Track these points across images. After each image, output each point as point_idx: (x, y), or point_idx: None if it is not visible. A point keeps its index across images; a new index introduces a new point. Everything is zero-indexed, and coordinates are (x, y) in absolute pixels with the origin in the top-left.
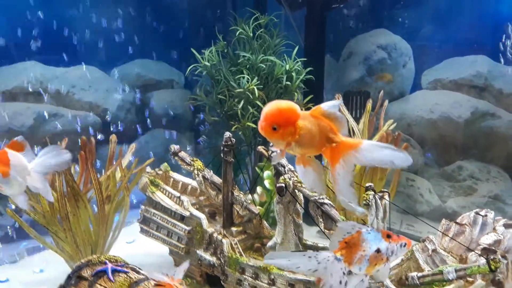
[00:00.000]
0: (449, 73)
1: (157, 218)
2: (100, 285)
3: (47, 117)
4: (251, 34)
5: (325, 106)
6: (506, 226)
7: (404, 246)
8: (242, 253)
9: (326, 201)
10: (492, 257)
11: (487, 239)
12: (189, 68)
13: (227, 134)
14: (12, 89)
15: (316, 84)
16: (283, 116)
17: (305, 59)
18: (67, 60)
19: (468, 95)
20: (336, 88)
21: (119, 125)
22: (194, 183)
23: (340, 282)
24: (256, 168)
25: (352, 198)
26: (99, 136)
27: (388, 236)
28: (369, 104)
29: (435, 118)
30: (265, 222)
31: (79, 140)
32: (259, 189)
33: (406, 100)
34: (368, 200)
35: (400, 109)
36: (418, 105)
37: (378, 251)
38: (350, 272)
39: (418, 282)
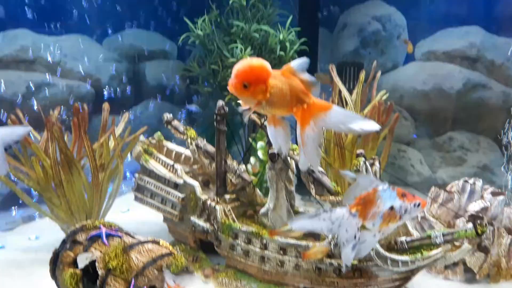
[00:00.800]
0: (442, 45)
1: (151, 186)
2: (95, 248)
3: (39, 86)
4: (245, 3)
5: (296, 64)
6: (494, 194)
7: (418, 206)
8: (235, 219)
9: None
10: (478, 222)
11: (474, 206)
12: (182, 37)
13: (220, 102)
14: (3, 57)
15: (310, 55)
16: (254, 74)
17: (299, 29)
18: (59, 28)
19: (461, 67)
20: (330, 59)
21: (112, 95)
22: (187, 152)
23: (355, 237)
24: (250, 139)
25: (318, 161)
26: (91, 107)
27: (403, 195)
28: (362, 75)
29: (428, 90)
30: (258, 190)
31: (72, 109)
32: (252, 159)
33: (399, 72)
34: (359, 166)
35: (393, 81)
36: (411, 76)
37: (391, 208)
38: (363, 227)
39: (406, 246)
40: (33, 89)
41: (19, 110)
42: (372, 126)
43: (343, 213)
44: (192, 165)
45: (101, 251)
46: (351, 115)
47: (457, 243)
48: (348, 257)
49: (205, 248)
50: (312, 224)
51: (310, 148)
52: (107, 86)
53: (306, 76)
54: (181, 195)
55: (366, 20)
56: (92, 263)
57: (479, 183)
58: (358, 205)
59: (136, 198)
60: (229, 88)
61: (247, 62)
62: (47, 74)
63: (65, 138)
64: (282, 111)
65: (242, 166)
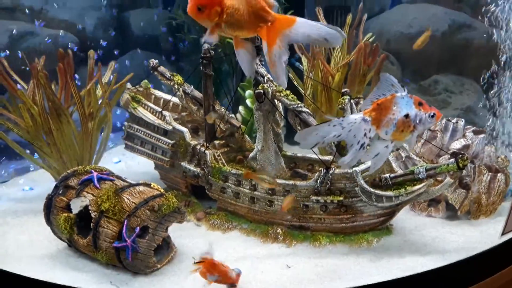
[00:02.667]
0: None
1: (141, 133)
2: (87, 192)
3: (22, 35)
4: None
5: None
6: (475, 132)
7: (433, 116)
8: (225, 164)
9: (304, 109)
10: (460, 156)
11: (456, 144)
12: None
13: (206, 46)
14: None
15: None
16: None
17: None
18: None
19: (445, 7)
20: (317, 2)
21: (97, 44)
22: (175, 100)
23: (362, 145)
24: (238, 88)
25: (285, 80)
26: (77, 53)
27: (420, 104)
28: (348, 18)
29: (414, 33)
30: (247, 136)
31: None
32: (241, 108)
33: (385, 16)
34: (344, 104)
35: (380, 25)
36: (397, 20)
37: (406, 116)
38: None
39: (390, 183)
40: (16, 37)
41: (3, 59)
42: (337, 35)
43: (356, 118)
44: (181, 112)
45: (93, 195)
46: (316, 25)
47: (439, 178)
48: (345, 162)
49: (196, 193)
50: (322, 130)
51: (279, 67)
52: (91, 35)
53: None
54: (170, 142)
55: None
56: (86, 207)
57: (461, 122)
58: (374, 111)
59: (126, 146)
60: (188, 12)
61: None
62: (29, 22)
63: (52, 87)
64: (244, 32)
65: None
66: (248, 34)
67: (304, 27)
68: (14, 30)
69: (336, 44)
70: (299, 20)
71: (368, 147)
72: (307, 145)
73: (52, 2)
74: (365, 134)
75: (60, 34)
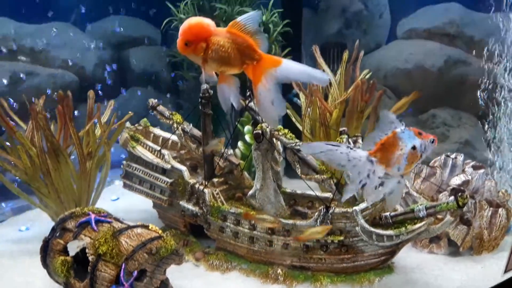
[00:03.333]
0: (423, 22)
1: (139, 172)
2: (85, 235)
3: (22, 75)
4: None
5: (242, 19)
6: (475, 167)
7: (433, 142)
8: (224, 202)
9: None
10: (459, 194)
11: (456, 180)
12: (165, 21)
13: (205, 85)
14: None
15: (293, 37)
16: (193, 32)
17: (282, 10)
18: (40, 16)
19: (441, 43)
20: (314, 40)
21: (97, 83)
22: (174, 138)
23: (360, 182)
24: (237, 124)
25: (275, 117)
26: (76, 96)
27: (420, 133)
28: (345, 55)
29: (410, 68)
30: (245, 173)
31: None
32: (240, 144)
33: (382, 51)
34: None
35: (376, 61)
36: (393, 55)
37: (413, 148)
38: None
39: (391, 221)
40: (17, 78)
41: (3, 100)
42: (321, 76)
43: (362, 156)
44: (179, 150)
45: (90, 237)
46: (301, 68)
47: (439, 216)
48: (347, 194)
49: (195, 232)
50: (328, 152)
51: (265, 105)
52: (91, 74)
53: (255, 30)
54: (169, 180)
55: (349, 0)
56: (83, 250)
57: (460, 157)
58: (379, 151)
59: (125, 185)
60: (177, 47)
61: (187, 21)
62: (30, 63)
63: (51, 127)
64: (230, 68)
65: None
66: (234, 71)
67: (290, 69)
68: (15, 71)
69: (322, 84)
70: (285, 61)
71: (380, 187)
72: (309, 154)
73: (53, 43)
74: (368, 175)
75: (60, 73)
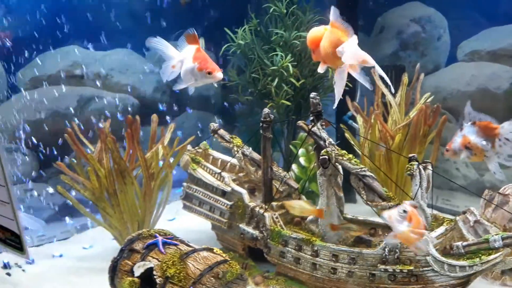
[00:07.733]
0: (487, 44)
1: (199, 194)
2: (152, 257)
3: (89, 99)
4: (284, 11)
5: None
6: None
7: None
8: (283, 226)
9: (368, 173)
10: None
11: None
12: (224, 47)
13: (266, 110)
14: (56, 73)
15: None
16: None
17: None
18: (105, 44)
19: (507, 66)
20: None
21: (156, 106)
22: (233, 160)
23: None
24: (290, 146)
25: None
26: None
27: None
28: (405, 78)
29: (472, 91)
30: (303, 196)
31: (121, 120)
32: (294, 167)
33: (441, 74)
34: (412, 170)
35: (435, 83)
36: (454, 78)
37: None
38: None
39: (463, 251)
40: (84, 101)
41: (74, 124)
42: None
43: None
44: (238, 173)
45: (158, 259)
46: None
47: None
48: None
49: (254, 256)
50: None
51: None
52: (151, 98)
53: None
54: (229, 203)
55: (405, 22)
56: (149, 271)
57: None
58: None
59: (184, 207)
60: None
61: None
62: (95, 87)
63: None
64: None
65: (288, 173)
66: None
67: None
68: (82, 95)
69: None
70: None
71: None
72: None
73: (117, 68)
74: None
75: (123, 97)
